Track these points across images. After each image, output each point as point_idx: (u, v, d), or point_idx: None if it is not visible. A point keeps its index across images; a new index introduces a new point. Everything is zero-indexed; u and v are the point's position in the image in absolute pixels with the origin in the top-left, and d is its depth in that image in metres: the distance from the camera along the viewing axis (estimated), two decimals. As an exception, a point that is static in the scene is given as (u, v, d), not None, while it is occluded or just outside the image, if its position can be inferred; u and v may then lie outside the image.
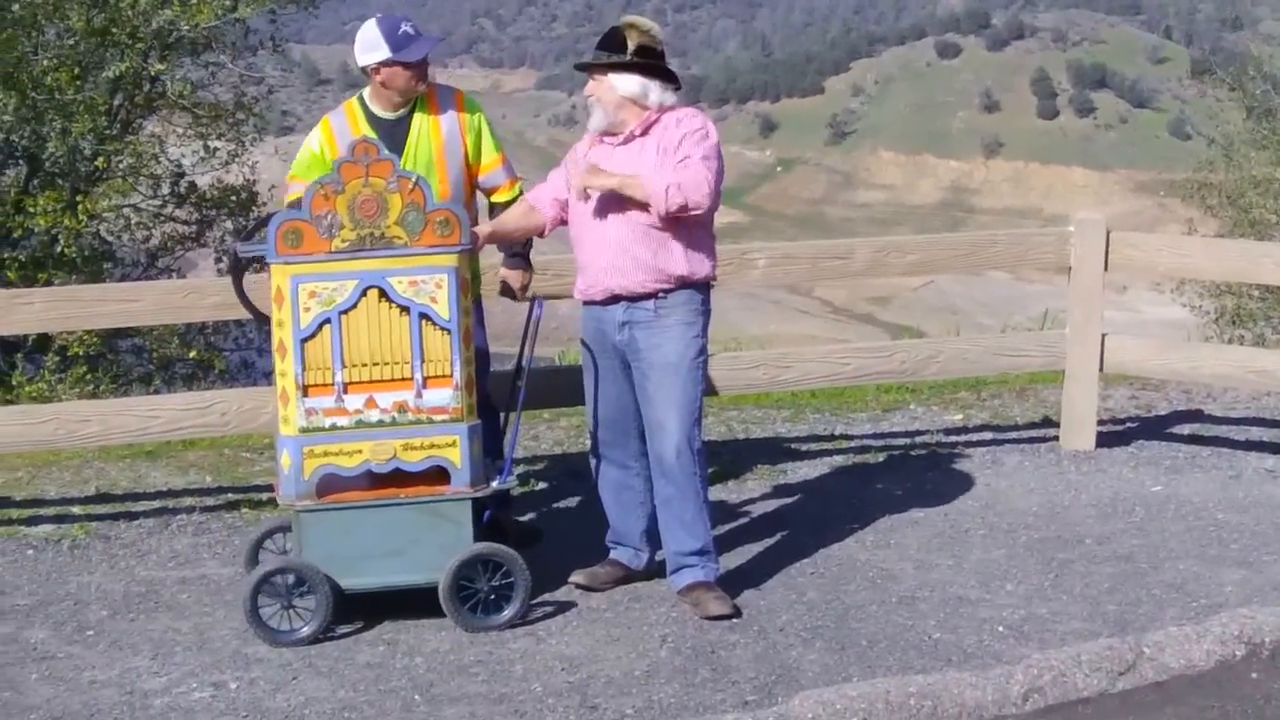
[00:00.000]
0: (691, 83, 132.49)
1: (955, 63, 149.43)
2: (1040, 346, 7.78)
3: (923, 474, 7.28)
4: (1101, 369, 7.55)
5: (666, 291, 5.46)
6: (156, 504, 7.01)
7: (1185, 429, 7.98)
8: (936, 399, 8.68)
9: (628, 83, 5.47)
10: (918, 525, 6.51)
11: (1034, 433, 7.94)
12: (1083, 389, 7.56)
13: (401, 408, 5.29)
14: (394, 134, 5.80)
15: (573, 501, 6.93)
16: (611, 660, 5.11)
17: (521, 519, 6.44)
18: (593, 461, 5.84)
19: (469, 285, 5.44)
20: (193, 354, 15.24)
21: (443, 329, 5.27)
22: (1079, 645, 4.99)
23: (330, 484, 5.34)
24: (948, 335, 12.24)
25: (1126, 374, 8.17)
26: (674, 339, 5.47)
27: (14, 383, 13.61)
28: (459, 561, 5.31)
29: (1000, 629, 5.34)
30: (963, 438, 7.92)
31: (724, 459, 7.40)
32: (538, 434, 8.04)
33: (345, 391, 5.26)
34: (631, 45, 5.47)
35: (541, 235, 5.87)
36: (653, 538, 5.74)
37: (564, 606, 5.58)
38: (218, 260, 16.75)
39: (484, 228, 5.78)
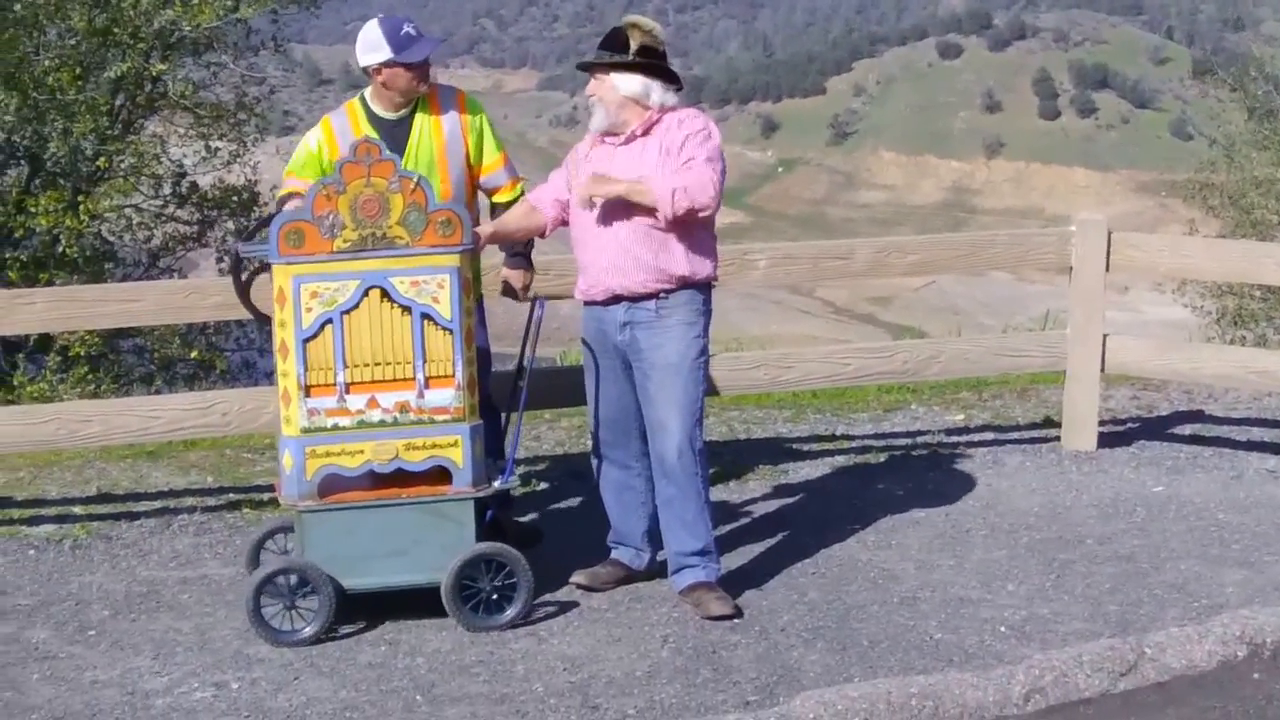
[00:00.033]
0: (693, 83, 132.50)
1: (957, 63, 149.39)
2: (1042, 347, 7.78)
3: (924, 474, 7.28)
4: (1103, 369, 7.55)
5: (668, 292, 5.46)
6: (158, 504, 7.01)
7: (1187, 429, 7.98)
8: (938, 399, 8.68)
9: (630, 83, 5.47)
10: (919, 525, 6.51)
11: (1035, 433, 7.94)
12: (1084, 389, 7.56)
13: (403, 408, 5.29)
14: (395, 134, 5.80)
15: (574, 502, 6.93)
16: (613, 660, 5.11)
17: (523, 519, 6.44)
18: (594, 462, 5.84)
19: (471, 285, 5.44)
20: (194, 354, 15.25)
21: (445, 329, 5.27)
22: (1080, 646, 4.99)
23: (332, 484, 5.34)
24: (949, 335, 12.24)
25: (1128, 374, 8.17)
26: (675, 339, 5.47)
27: (15, 383, 13.61)
28: (461, 561, 5.31)
29: (1002, 629, 5.33)
30: (964, 438, 7.92)
31: (725, 459, 7.40)
32: (539, 434, 8.04)
33: (347, 392, 5.26)
34: (634, 45, 5.47)
35: (543, 235, 5.87)
36: (654, 538, 5.74)
37: (565, 607, 5.58)
38: (219, 260, 16.75)
39: (485, 228, 5.79)
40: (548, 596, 5.61)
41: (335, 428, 5.27)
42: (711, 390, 6.84)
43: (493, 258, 6.22)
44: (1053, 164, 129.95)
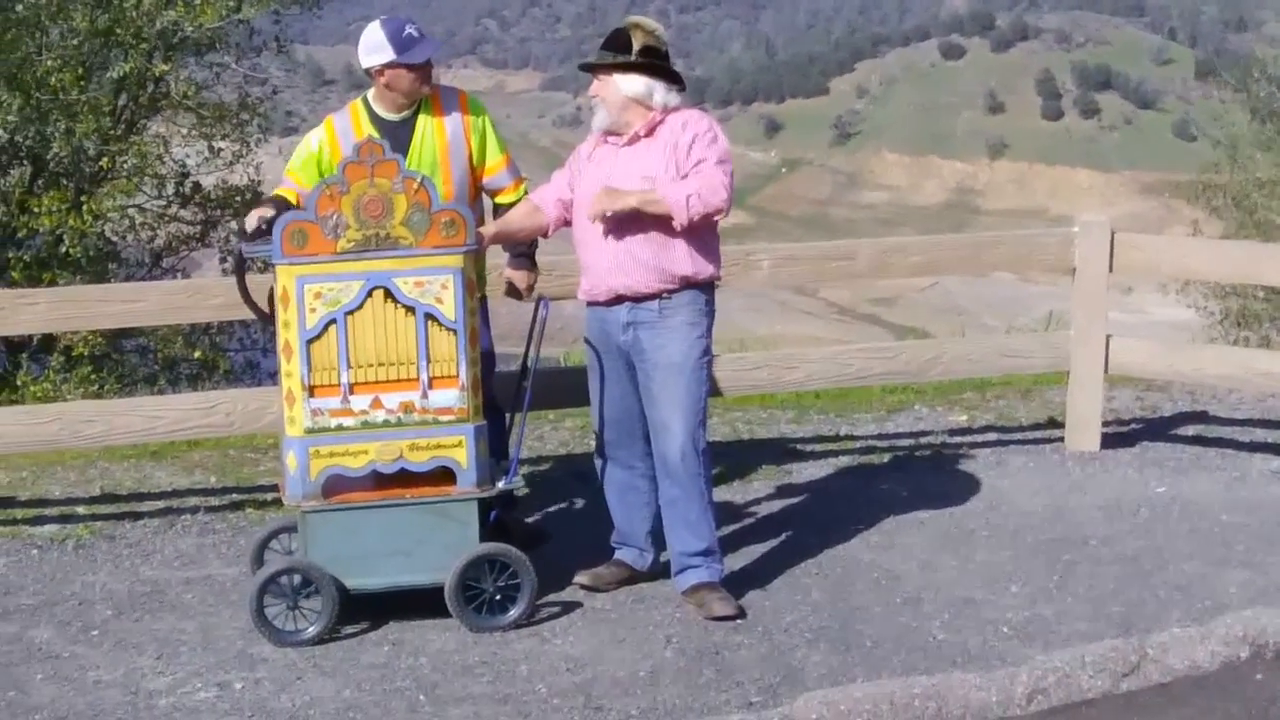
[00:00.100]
0: (696, 84, 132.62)
1: (960, 64, 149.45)
2: (1045, 348, 7.78)
3: (927, 475, 7.28)
4: (1106, 370, 7.55)
5: (671, 292, 5.46)
6: (161, 504, 7.01)
7: (1190, 430, 7.98)
8: (941, 400, 8.68)
9: (632, 83, 5.47)
10: (922, 526, 6.51)
11: (1039, 434, 7.94)
12: (1087, 390, 7.56)
13: (407, 408, 5.29)
14: (398, 135, 5.79)
15: (578, 502, 6.93)
16: (616, 661, 5.11)
17: (527, 520, 6.44)
18: (598, 462, 5.84)
19: (474, 285, 5.44)
20: (197, 354, 15.24)
21: (448, 329, 5.27)
22: (1083, 646, 4.99)
23: (336, 484, 5.34)
24: (952, 336, 12.23)
25: (1131, 375, 8.17)
26: (678, 340, 5.47)
27: (19, 383, 13.62)
28: (465, 562, 5.31)
29: (1005, 630, 5.33)
30: (967, 439, 7.92)
31: (729, 459, 7.40)
32: (543, 434, 8.05)
33: (351, 392, 5.26)
34: (636, 45, 5.47)
35: (546, 235, 5.86)
36: (658, 538, 5.74)
37: (569, 607, 5.58)
38: (222, 260, 16.76)
39: (489, 228, 5.79)
40: (551, 597, 5.61)
41: (339, 428, 5.27)
42: (715, 391, 6.84)
43: (496, 258, 6.22)
44: (1056, 165, 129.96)
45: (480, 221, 5.87)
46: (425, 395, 5.29)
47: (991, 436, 7.95)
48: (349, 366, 5.24)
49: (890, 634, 5.31)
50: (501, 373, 6.41)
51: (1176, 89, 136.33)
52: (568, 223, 5.71)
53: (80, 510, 6.93)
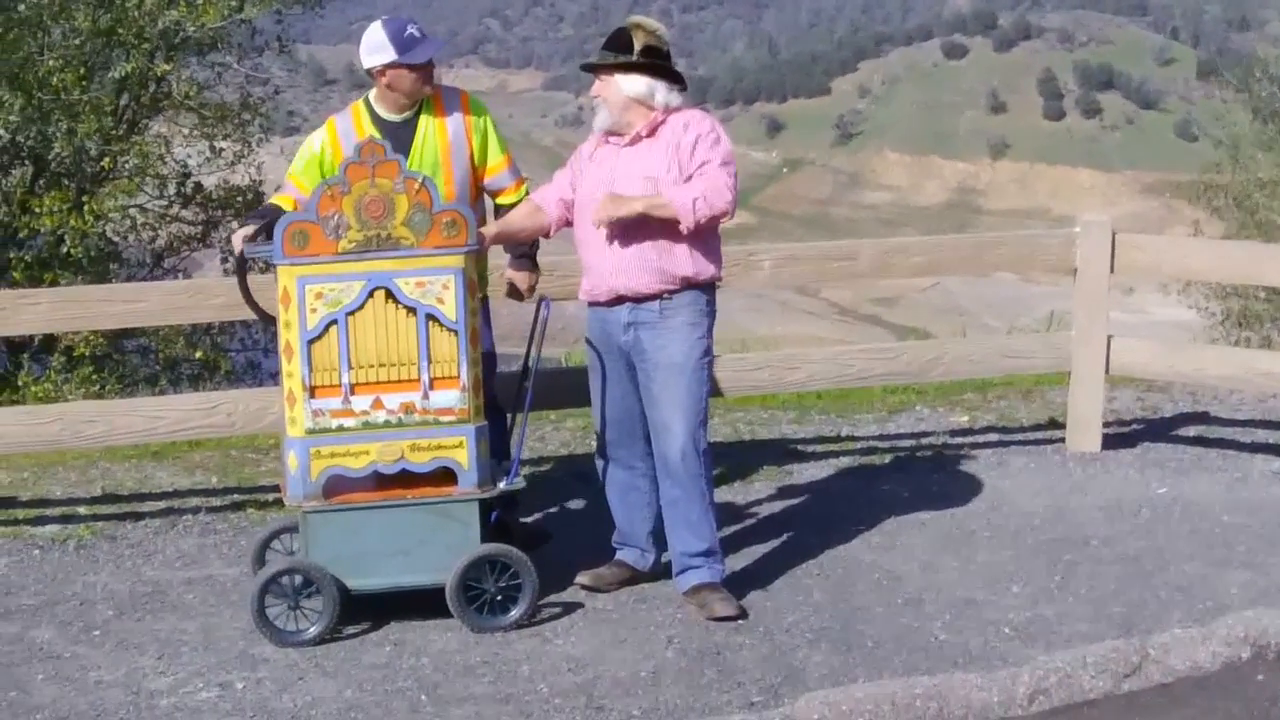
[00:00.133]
0: (698, 83, 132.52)
1: (962, 63, 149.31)
2: (1046, 348, 7.78)
3: (929, 475, 7.28)
4: (1107, 371, 7.54)
5: (671, 292, 5.46)
6: (162, 504, 7.02)
7: (1191, 431, 7.98)
8: (942, 400, 8.68)
9: (634, 83, 5.47)
10: (924, 527, 6.51)
11: (1040, 434, 7.94)
12: (1088, 391, 7.55)
13: (408, 409, 5.29)
14: (400, 136, 5.79)
15: (579, 502, 6.93)
16: (617, 661, 5.11)
17: (528, 520, 6.44)
18: (599, 462, 5.84)
19: (476, 286, 5.44)
20: (199, 354, 15.24)
21: (449, 330, 5.27)
22: (1085, 647, 4.99)
23: (337, 485, 5.34)
24: (954, 337, 12.24)
25: (1132, 376, 8.17)
26: (679, 340, 5.46)
27: (20, 383, 13.62)
28: (466, 562, 5.31)
29: (1006, 630, 5.33)
30: (969, 439, 7.92)
31: (730, 460, 7.40)
32: (544, 435, 8.05)
33: (352, 393, 5.26)
34: (637, 45, 5.47)
35: (547, 236, 5.86)
36: (659, 539, 5.74)
37: (570, 607, 5.58)
38: (223, 261, 16.76)
39: (490, 228, 5.78)
40: (552, 597, 5.61)
41: (340, 429, 5.27)
42: (716, 391, 6.84)
43: (498, 258, 6.22)
44: (1058, 165, 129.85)
45: (482, 222, 5.87)
46: (426, 396, 5.29)
47: (993, 437, 7.95)
48: (350, 367, 5.24)
49: (892, 634, 5.31)
50: (503, 373, 6.41)
51: (1179, 89, 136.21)
52: (569, 223, 5.71)
53: (81, 510, 6.93)
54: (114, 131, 15.28)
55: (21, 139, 14.44)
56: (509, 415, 5.98)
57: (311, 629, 5.30)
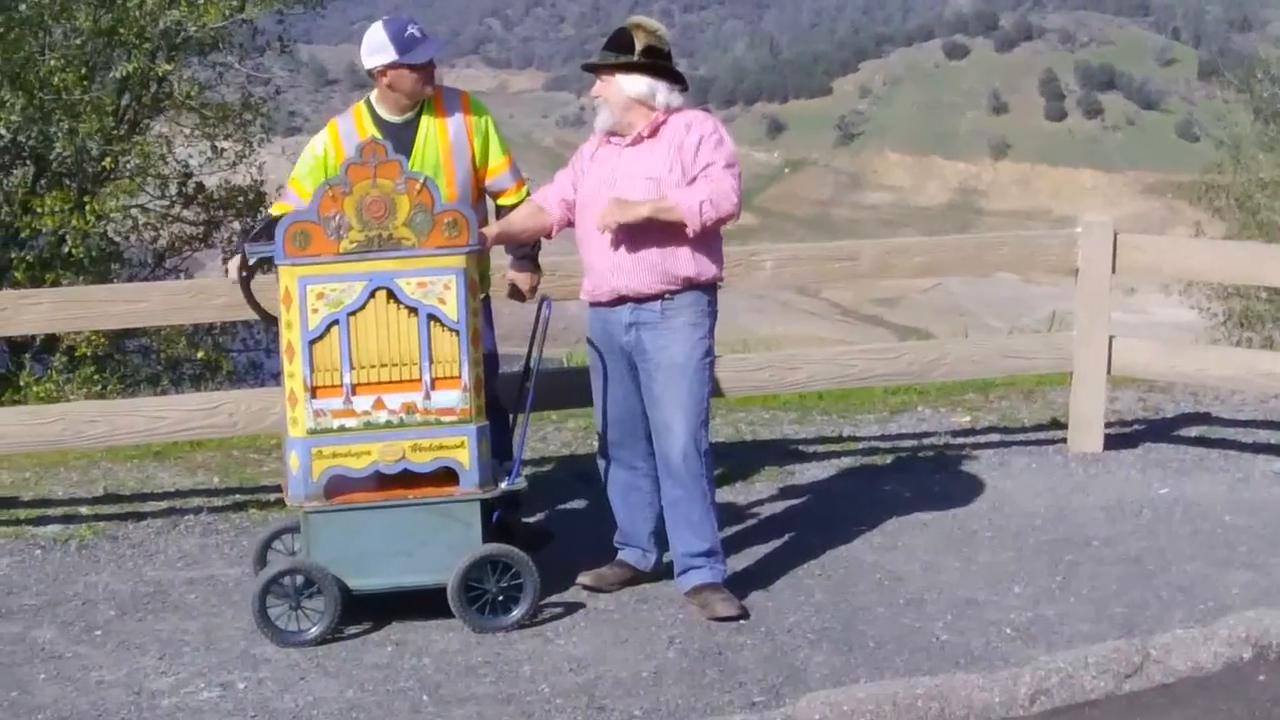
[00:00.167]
0: (699, 83, 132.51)
1: (963, 64, 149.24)
2: (1047, 348, 7.78)
3: (930, 476, 7.28)
4: (1109, 371, 7.54)
5: (673, 293, 5.46)
6: (164, 504, 7.02)
7: (1193, 431, 7.98)
8: (944, 401, 8.68)
9: (635, 83, 5.47)
10: (925, 527, 6.51)
11: (1041, 435, 7.94)
12: (1090, 391, 7.55)
13: (410, 409, 5.29)
14: (401, 137, 5.78)
15: (580, 503, 6.93)
16: (619, 661, 5.11)
17: (530, 520, 6.44)
18: (600, 462, 5.84)
19: (477, 286, 5.44)
20: (200, 355, 15.25)
21: (451, 330, 5.27)
22: (1086, 647, 4.99)
23: (339, 485, 5.35)
24: (955, 337, 12.24)
25: (1134, 376, 8.17)
26: (680, 340, 5.46)
27: (22, 383, 13.63)
28: (468, 562, 5.31)
29: (1008, 631, 5.33)
30: (970, 439, 7.92)
31: (731, 460, 7.40)
32: (546, 435, 8.05)
33: (353, 393, 5.26)
34: (639, 46, 5.46)
35: (549, 236, 5.86)
36: (660, 539, 5.74)
37: (572, 607, 5.58)
38: (225, 261, 16.74)
39: (491, 229, 5.78)
40: (554, 597, 5.61)
41: (341, 429, 5.27)
42: (717, 391, 6.84)
43: (500, 259, 6.22)
44: (1059, 165, 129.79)
45: (484, 222, 5.87)
46: (428, 396, 5.29)
47: (994, 437, 7.95)
48: (351, 367, 5.24)
49: (893, 634, 5.31)
50: (505, 373, 6.41)
51: (1180, 89, 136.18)
52: (571, 223, 5.71)
53: (83, 510, 6.93)
54: (115, 131, 15.29)
55: (23, 139, 14.45)
56: (511, 415, 5.98)
57: (313, 629, 5.30)
